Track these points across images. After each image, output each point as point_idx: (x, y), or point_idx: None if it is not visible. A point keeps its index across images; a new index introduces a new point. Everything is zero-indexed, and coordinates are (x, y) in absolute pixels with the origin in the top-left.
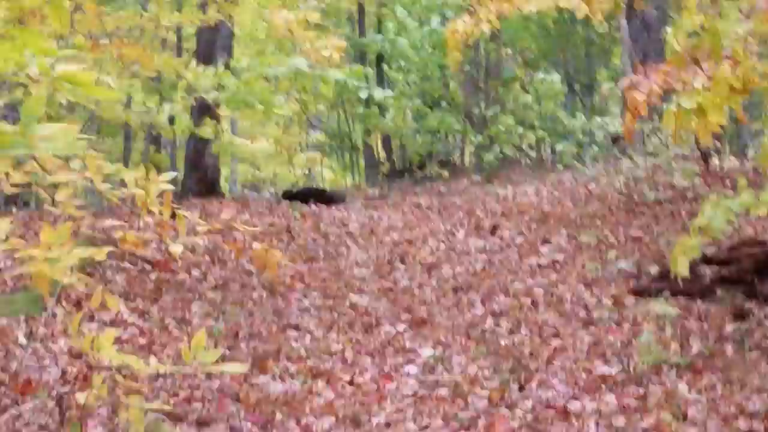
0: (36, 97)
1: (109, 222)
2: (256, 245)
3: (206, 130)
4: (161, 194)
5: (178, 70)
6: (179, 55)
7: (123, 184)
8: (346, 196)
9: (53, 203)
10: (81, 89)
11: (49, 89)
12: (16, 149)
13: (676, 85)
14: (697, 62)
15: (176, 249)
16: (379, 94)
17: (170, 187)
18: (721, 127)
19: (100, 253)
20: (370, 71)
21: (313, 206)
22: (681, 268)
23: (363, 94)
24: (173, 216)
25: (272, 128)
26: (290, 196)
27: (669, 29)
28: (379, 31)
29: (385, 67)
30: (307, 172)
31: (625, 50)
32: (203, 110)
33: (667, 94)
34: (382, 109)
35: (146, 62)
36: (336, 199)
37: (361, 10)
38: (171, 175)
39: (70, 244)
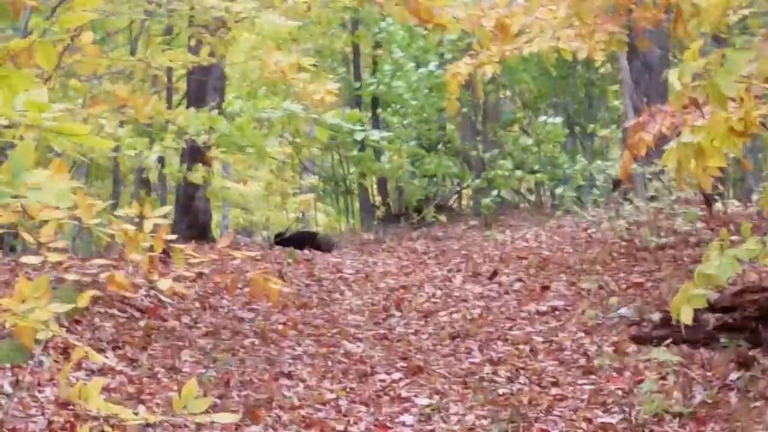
0: (24, 145)
1: (96, 262)
2: (251, 273)
3: (196, 175)
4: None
5: (169, 118)
6: (170, 95)
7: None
8: (337, 242)
9: (38, 246)
10: (73, 139)
11: (38, 137)
12: (2, 198)
13: (683, 128)
14: (696, 104)
15: (164, 285)
16: (375, 135)
17: (164, 221)
18: (724, 170)
19: (83, 299)
20: (365, 115)
21: (306, 251)
22: (684, 317)
23: (358, 136)
24: (166, 252)
25: (265, 172)
26: (281, 241)
27: (672, 71)
28: (374, 73)
29: (380, 109)
30: (300, 215)
31: (626, 92)
32: (194, 153)
33: (668, 137)
34: (378, 152)
35: (139, 108)
36: (324, 246)
37: (357, 51)
38: (165, 209)
39: (47, 296)
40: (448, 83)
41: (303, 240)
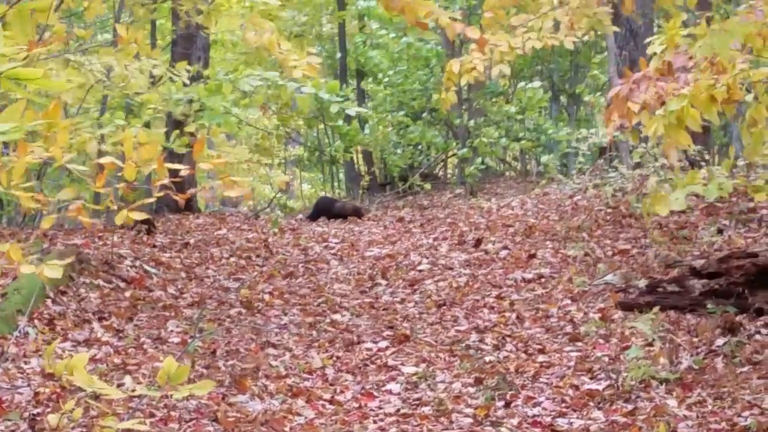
0: None
1: (62, 195)
2: (224, 231)
3: (180, 143)
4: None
5: (145, 99)
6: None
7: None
8: (364, 207)
9: (23, 215)
10: (33, 83)
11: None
12: None
13: (666, 97)
14: (670, 68)
15: (120, 219)
16: (353, 111)
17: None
18: (708, 137)
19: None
20: (351, 86)
21: (291, 220)
22: (662, 210)
23: (333, 109)
24: (151, 224)
25: (249, 144)
26: (310, 216)
27: (655, 38)
28: (357, 45)
29: (364, 80)
30: (285, 187)
31: (611, 60)
32: (177, 124)
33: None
34: (363, 122)
35: (141, 44)
36: (352, 214)
37: (342, 24)
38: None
39: None
40: (447, 77)
41: (328, 208)
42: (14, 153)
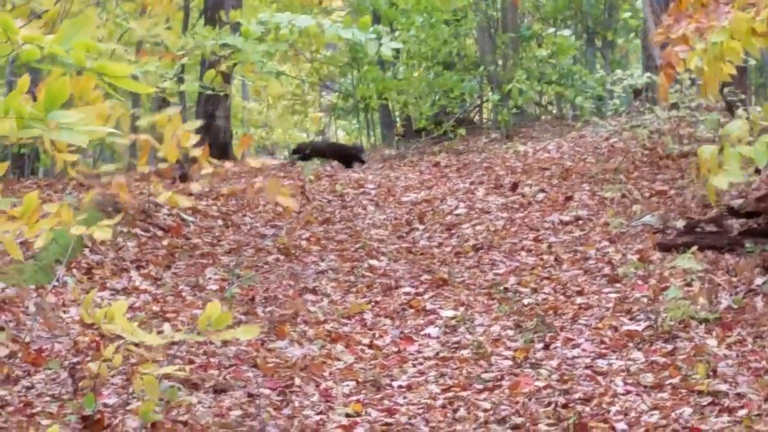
0: (60, 81)
1: (105, 169)
2: (260, 179)
3: (214, 81)
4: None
5: (179, 44)
6: (187, 13)
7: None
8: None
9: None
10: (117, 82)
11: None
12: (31, 132)
13: (707, 30)
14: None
15: (163, 198)
16: (386, 50)
17: (189, 127)
18: (744, 76)
19: (88, 196)
20: (384, 30)
21: (328, 167)
22: (721, 183)
23: (372, 47)
24: (184, 176)
25: (282, 90)
26: (304, 156)
27: None
28: None
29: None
30: (320, 133)
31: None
32: (211, 64)
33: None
34: (396, 68)
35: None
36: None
37: None
38: (195, 123)
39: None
40: None
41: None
42: None
